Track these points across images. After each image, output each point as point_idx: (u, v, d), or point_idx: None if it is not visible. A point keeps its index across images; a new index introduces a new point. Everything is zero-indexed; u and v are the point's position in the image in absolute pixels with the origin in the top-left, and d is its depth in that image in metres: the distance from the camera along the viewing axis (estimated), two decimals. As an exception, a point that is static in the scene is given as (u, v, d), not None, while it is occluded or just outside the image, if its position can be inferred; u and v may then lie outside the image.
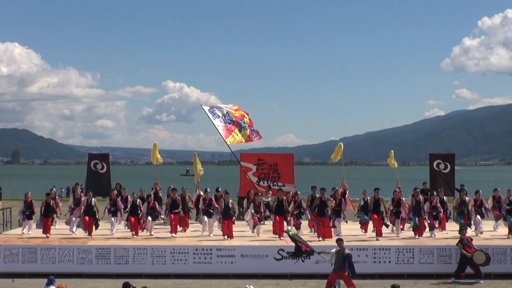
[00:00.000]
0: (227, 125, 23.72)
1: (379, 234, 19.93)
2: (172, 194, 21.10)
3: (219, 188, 22.82)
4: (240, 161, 24.68)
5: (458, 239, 17.97)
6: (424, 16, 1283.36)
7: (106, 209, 21.56)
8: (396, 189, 21.40)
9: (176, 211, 20.78)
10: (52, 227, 20.87)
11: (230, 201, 20.51)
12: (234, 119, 23.92)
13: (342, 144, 25.40)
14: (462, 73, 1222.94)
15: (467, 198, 20.95)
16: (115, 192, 22.14)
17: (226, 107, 24.07)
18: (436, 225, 20.59)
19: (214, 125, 23.56)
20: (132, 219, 20.51)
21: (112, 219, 21.32)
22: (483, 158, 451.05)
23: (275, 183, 24.17)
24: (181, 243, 19.15)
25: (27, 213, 21.07)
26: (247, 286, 12.45)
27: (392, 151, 25.61)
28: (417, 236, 19.92)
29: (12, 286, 17.20)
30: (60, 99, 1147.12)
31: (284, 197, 20.65)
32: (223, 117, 23.83)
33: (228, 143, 23.57)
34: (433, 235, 20.34)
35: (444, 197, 21.90)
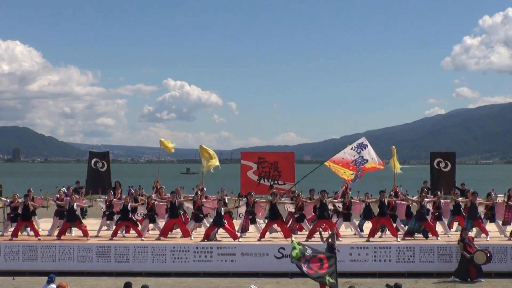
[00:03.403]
0: (353, 163, 22.07)
1: (395, 235, 19.38)
2: (171, 197, 19.98)
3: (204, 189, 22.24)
4: (240, 159, 24.69)
5: (459, 238, 17.98)
6: (424, 14, 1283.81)
7: (103, 212, 20.75)
8: (392, 193, 21.00)
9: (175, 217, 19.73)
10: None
11: (222, 208, 19.61)
12: (362, 167, 22.11)
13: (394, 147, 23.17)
14: (463, 72, 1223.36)
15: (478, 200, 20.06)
16: (111, 193, 21.15)
17: (373, 157, 22.45)
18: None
19: (344, 149, 22.59)
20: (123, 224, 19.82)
21: (108, 222, 20.74)
22: (484, 156, 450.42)
23: (275, 182, 24.17)
24: (182, 241, 19.15)
25: (12, 215, 20.31)
26: (251, 287, 12.40)
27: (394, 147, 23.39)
28: (436, 237, 19.38)
29: (13, 284, 17.21)
30: (61, 97, 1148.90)
31: (279, 199, 20.15)
32: (360, 158, 22.30)
33: (326, 163, 22.75)
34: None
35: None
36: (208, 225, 19.93)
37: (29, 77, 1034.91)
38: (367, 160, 22.15)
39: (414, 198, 20.60)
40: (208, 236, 19.17)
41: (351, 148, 22.54)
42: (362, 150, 22.47)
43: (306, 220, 20.30)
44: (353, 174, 21.64)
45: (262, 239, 19.37)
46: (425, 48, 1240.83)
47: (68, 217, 19.62)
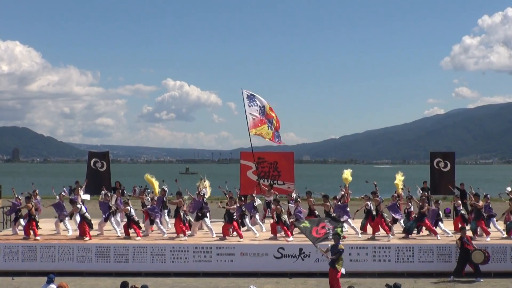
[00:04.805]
0: (261, 116, 23.71)
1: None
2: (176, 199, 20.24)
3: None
4: (240, 159, 24.73)
5: (458, 237, 18.00)
6: (424, 14, 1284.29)
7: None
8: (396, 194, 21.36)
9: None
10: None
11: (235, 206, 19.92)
12: (266, 115, 23.93)
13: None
14: (462, 72, 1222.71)
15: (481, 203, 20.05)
16: (120, 191, 21.53)
17: (264, 101, 24.00)
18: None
19: (245, 112, 23.49)
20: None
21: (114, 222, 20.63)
22: (483, 156, 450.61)
23: (275, 181, 24.19)
24: (181, 241, 19.14)
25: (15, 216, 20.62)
26: (250, 287, 12.40)
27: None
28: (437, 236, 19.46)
29: (12, 284, 17.20)
30: (61, 97, 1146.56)
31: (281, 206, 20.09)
32: (260, 108, 23.79)
33: (251, 133, 23.44)
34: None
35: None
36: (209, 224, 20.26)
37: (29, 77, 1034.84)
38: (263, 106, 23.75)
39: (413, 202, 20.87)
40: (227, 234, 19.52)
41: (249, 106, 23.59)
42: (254, 99, 23.79)
43: None
44: (270, 131, 23.74)
45: (260, 239, 19.39)
46: (424, 48, 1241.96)
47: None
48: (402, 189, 22.63)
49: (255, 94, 24.00)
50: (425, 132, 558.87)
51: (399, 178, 22.85)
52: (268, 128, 23.86)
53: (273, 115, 24.15)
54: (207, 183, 23.14)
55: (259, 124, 23.63)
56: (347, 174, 23.24)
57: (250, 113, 23.52)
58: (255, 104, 23.77)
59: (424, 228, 20.15)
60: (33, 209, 19.84)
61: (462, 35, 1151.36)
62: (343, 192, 21.59)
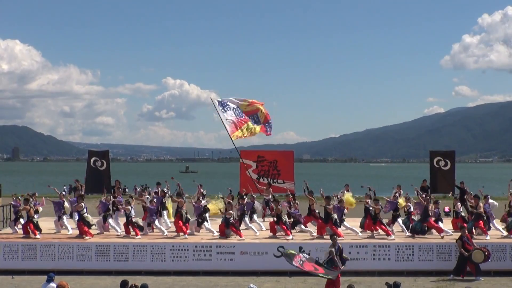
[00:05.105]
0: (238, 118, 23.49)
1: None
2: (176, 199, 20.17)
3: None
4: (240, 158, 24.71)
5: (458, 236, 18.00)
6: (424, 13, 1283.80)
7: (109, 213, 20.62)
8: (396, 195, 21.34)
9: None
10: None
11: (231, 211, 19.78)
12: (244, 114, 23.72)
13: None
14: (462, 70, 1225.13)
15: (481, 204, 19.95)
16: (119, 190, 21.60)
17: (238, 101, 23.84)
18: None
19: (221, 119, 23.29)
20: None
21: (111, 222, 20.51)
22: (483, 155, 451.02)
23: (275, 180, 24.18)
24: (181, 240, 19.13)
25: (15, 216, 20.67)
26: (250, 286, 12.42)
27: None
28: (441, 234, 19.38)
29: (12, 283, 17.19)
30: (60, 96, 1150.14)
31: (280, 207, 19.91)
32: (234, 111, 23.63)
33: (233, 138, 23.25)
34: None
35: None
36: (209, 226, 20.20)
37: (29, 76, 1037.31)
38: (237, 107, 23.71)
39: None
40: (223, 233, 19.41)
41: (223, 112, 23.52)
42: (227, 104, 23.78)
43: (301, 225, 20.33)
44: (256, 125, 23.48)
45: (260, 238, 19.39)
46: (424, 47, 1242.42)
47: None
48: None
49: (225, 100, 23.77)
50: (425, 130, 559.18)
51: (404, 198, 22.42)
52: (253, 124, 23.59)
53: (258, 107, 23.84)
54: (220, 203, 21.94)
55: (239, 127, 23.31)
56: (350, 200, 22.49)
57: (226, 119, 23.26)
58: (229, 108, 23.55)
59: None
60: (31, 211, 19.78)
61: (462, 34, 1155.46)
62: (340, 195, 21.63)
